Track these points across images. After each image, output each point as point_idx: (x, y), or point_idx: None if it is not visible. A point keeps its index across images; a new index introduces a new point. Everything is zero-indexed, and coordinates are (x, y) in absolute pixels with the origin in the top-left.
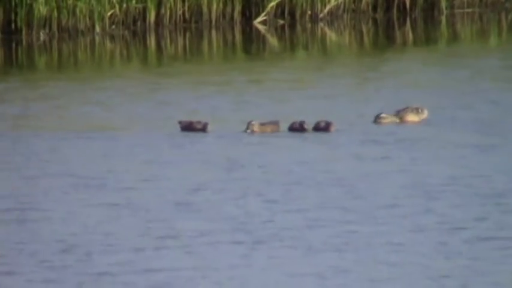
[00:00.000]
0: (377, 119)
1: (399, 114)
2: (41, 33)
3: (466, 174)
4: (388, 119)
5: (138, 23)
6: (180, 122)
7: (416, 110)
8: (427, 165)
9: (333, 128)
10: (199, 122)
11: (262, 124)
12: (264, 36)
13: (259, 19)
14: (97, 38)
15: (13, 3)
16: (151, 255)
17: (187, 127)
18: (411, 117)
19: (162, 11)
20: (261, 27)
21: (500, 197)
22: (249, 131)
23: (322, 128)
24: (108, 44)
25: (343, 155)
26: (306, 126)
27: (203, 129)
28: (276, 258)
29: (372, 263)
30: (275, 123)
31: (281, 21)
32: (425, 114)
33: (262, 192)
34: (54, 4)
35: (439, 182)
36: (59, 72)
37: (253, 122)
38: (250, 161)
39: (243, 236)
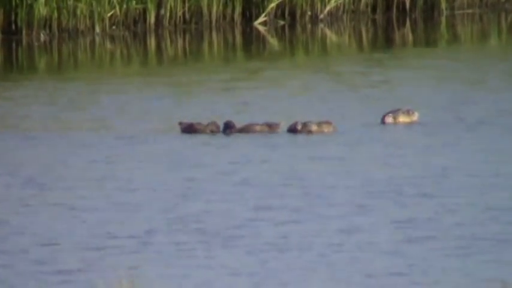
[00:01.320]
0: (385, 118)
1: (393, 115)
2: (41, 34)
3: (416, 175)
4: (390, 119)
5: (138, 24)
6: (180, 123)
7: (408, 112)
8: (382, 166)
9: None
10: (200, 123)
11: (250, 125)
12: (264, 37)
13: (260, 20)
14: (97, 39)
15: (13, 4)
16: (94, 255)
17: (188, 129)
18: (403, 119)
19: (162, 12)
20: (261, 28)
21: (444, 197)
22: (228, 130)
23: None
24: (108, 44)
25: (301, 155)
26: (298, 127)
27: (215, 130)
28: (217, 258)
29: (312, 263)
30: (271, 125)
31: (281, 22)
32: (415, 116)
33: (208, 192)
34: (54, 5)
35: (389, 182)
36: (59, 73)
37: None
38: (200, 161)
39: (185, 236)
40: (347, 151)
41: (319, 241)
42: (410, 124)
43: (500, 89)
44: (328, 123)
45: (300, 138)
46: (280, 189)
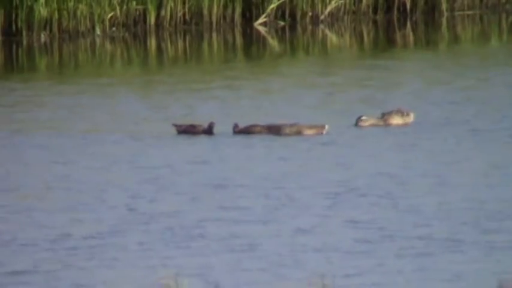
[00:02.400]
0: (358, 121)
1: (384, 117)
2: (42, 35)
3: (376, 176)
4: (369, 121)
5: (139, 25)
6: (175, 125)
7: (402, 113)
8: (347, 167)
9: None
10: (200, 125)
11: (251, 126)
12: (264, 38)
13: (260, 21)
14: (97, 40)
15: (14, 5)
16: (48, 256)
17: (186, 130)
18: (396, 120)
19: (163, 13)
20: (261, 29)
21: (402, 198)
22: (237, 129)
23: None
24: (108, 45)
25: (270, 157)
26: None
27: (209, 131)
28: (169, 258)
29: (265, 263)
30: (272, 127)
31: (281, 23)
32: (411, 117)
33: (168, 192)
34: (54, 6)
35: (340, 184)
36: (59, 74)
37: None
38: (164, 162)
39: (143, 237)
40: (321, 153)
41: (274, 241)
42: (404, 125)
43: (488, 91)
44: (314, 126)
45: (277, 139)
46: (240, 190)
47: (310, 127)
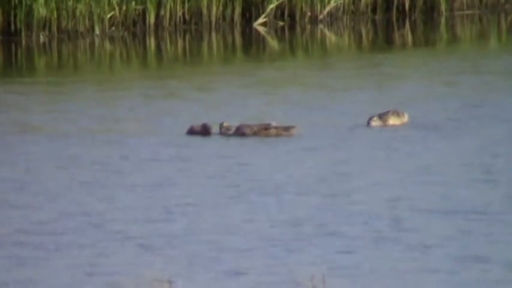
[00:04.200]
0: (370, 121)
1: (382, 117)
2: (41, 35)
3: (317, 176)
4: (377, 122)
5: (138, 25)
6: (191, 126)
7: (397, 113)
8: (290, 167)
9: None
10: (198, 126)
11: (242, 126)
12: (264, 38)
13: (259, 21)
14: (96, 40)
15: (13, 5)
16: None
17: (190, 131)
18: (393, 121)
19: (162, 12)
20: (260, 29)
21: (333, 197)
22: (224, 131)
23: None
24: (107, 45)
25: (211, 156)
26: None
27: (203, 131)
28: (93, 257)
29: (182, 262)
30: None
31: (281, 23)
32: (405, 117)
33: (96, 191)
34: (53, 6)
35: (277, 184)
36: (57, 74)
37: (225, 124)
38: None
39: (55, 236)
40: (271, 153)
41: (194, 239)
42: (400, 126)
43: (475, 92)
44: (271, 127)
45: (237, 139)
46: (173, 189)
47: (261, 127)
